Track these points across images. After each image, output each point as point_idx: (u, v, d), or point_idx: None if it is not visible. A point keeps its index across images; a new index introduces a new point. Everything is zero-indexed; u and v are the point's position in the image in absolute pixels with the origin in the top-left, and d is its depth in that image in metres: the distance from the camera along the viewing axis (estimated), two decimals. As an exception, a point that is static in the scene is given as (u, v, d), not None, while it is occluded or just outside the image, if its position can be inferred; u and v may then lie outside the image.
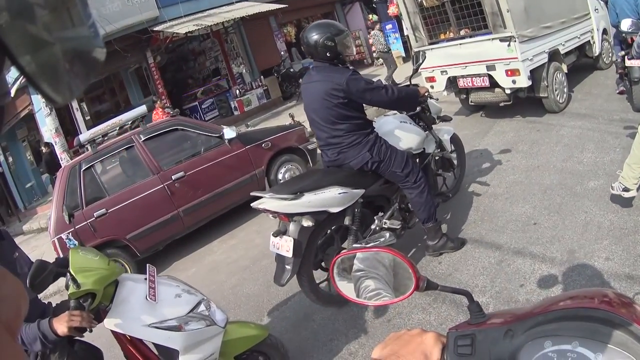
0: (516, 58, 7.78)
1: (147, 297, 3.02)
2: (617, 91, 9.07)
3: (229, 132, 7.95)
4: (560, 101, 8.79)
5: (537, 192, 5.89)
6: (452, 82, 9.03)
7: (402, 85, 5.60)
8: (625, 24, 6.95)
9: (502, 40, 7.82)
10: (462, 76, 8.71)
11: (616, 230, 4.70)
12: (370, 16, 24.01)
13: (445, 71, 8.88)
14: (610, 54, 11.08)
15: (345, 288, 1.57)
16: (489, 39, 8.00)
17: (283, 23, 21.85)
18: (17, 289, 0.53)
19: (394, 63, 16.96)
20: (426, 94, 5.14)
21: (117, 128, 7.86)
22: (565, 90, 9.07)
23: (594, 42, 10.83)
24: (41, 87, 0.47)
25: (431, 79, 9.13)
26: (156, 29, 16.03)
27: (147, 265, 3.42)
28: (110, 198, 7.34)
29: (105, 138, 7.80)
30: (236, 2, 18.12)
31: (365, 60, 24.25)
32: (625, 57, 7.95)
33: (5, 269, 0.52)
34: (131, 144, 7.61)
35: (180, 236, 7.86)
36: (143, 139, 7.62)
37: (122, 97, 19.91)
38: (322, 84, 4.32)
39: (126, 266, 7.21)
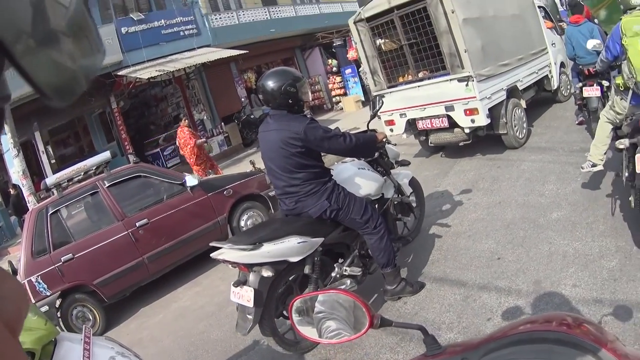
0: (474, 97, 7.92)
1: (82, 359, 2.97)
2: (577, 122, 9.33)
3: (191, 180, 7.95)
4: (520, 136, 8.95)
5: (500, 228, 5.95)
6: (411, 125, 9.11)
7: (360, 131, 5.65)
8: (591, 44, 7.16)
9: (460, 80, 7.96)
10: (421, 118, 8.79)
11: (581, 257, 4.78)
12: (330, 61, 24.29)
13: (404, 114, 8.96)
14: (569, 87, 11.37)
15: (307, 330, 1.71)
16: (447, 80, 8.13)
17: (243, 69, 22.01)
18: (18, 290, 0.53)
19: None
20: (384, 139, 5.17)
21: (82, 173, 7.83)
22: (525, 125, 9.25)
23: (552, 76, 11.11)
24: (41, 88, 0.47)
25: (390, 123, 9.20)
26: (120, 73, 16.02)
27: (84, 326, 3.39)
28: (77, 243, 7.23)
29: (71, 183, 7.77)
30: (198, 47, 18.24)
31: (325, 106, 24.46)
32: (583, 88, 8.20)
33: (5, 270, 0.52)
34: (96, 190, 7.57)
35: (146, 282, 7.76)
36: (107, 185, 7.59)
37: (86, 141, 19.82)
38: (279, 132, 4.30)
39: (94, 312, 7.14)
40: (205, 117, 19.88)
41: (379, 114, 6.37)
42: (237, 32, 19.84)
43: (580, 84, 8.46)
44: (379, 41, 9.06)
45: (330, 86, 23.82)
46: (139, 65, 16.25)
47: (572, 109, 9.80)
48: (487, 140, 9.06)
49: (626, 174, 4.95)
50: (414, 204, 6.00)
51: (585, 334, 1.15)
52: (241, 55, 18.76)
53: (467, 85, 7.92)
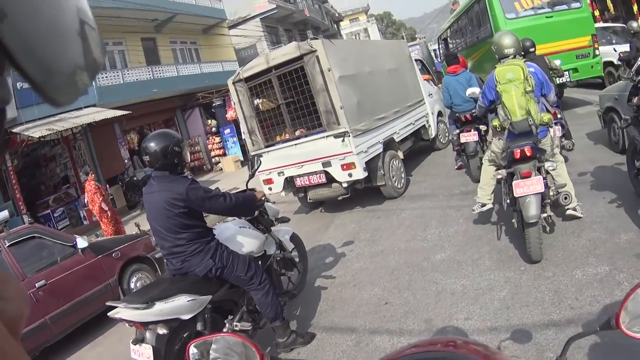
0: (351, 152, 8.12)
1: None
2: (456, 167, 9.80)
3: (81, 242, 7.89)
4: (399, 186, 9.26)
5: (384, 275, 6.10)
6: (289, 182, 9.20)
7: (239, 190, 5.72)
8: (470, 91, 7.47)
9: (336, 136, 8.16)
10: (299, 175, 8.89)
11: (470, 292, 5.01)
12: (210, 121, 24.27)
13: (282, 172, 9.04)
14: (447, 134, 11.87)
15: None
16: (324, 137, 8.31)
17: (127, 130, 21.55)
18: (20, 291, 0.53)
19: None
20: (262, 197, 5.26)
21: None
22: (403, 175, 9.59)
23: (429, 126, 11.62)
24: (43, 89, 0.47)
25: (269, 181, 9.24)
26: (14, 130, 15.43)
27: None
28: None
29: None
30: (85, 107, 17.82)
31: (204, 166, 24.27)
32: (461, 134, 8.64)
33: (7, 273, 0.51)
34: (-2, 249, 7.43)
35: (51, 343, 7.50)
36: (8, 245, 7.37)
37: (-20, 199, 18.69)
38: (162, 193, 4.35)
39: None
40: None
41: (257, 173, 6.44)
42: (121, 92, 19.47)
43: (458, 131, 8.99)
44: (256, 101, 9.19)
45: (209, 146, 23.77)
46: (32, 123, 15.69)
47: (451, 155, 10.30)
48: (366, 193, 9.28)
49: (507, 201, 5.67)
50: (296, 259, 6.17)
51: (473, 352, 1.18)
52: (125, 116, 18.44)
53: (343, 140, 8.12)
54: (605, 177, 7.19)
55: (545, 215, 5.50)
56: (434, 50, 28.37)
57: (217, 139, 23.66)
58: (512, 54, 5.70)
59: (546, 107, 5.95)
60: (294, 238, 6.31)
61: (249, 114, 9.24)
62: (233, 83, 9.30)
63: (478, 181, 7.48)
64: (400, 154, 9.77)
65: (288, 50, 8.54)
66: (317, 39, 8.45)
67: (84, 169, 19.01)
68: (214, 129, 24.17)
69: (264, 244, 5.39)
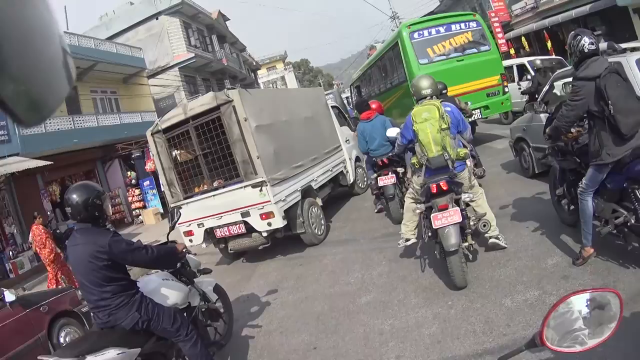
0: (269, 201, 8.16)
1: None
2: (376, 210, 9.97)
3: (9, 296, 7.65)
4: (319, 233, 9.35)
5: (311, 320, 6.10)
6: (209, 234, 9.14)
7: (161, 243, 5.68)
8: (392, 132, 7.67)
9: (254, 186, 8.19)
10: (219, 226, 8.84)
11: (399, 331, 5.07)
12: (129, 173, 23.89)
13: (202, 223, 8.96)
14: (365, 179, 12.08)
15: None
16: (242, 187, 8.32)
17: (49, 181, 21.00)
18: None
19: None
20: (183, 250, 5.24)
21: None
22: (323, 222, 9.68)
23: (347, 171, 11.80)
24: (12, 110, 0.47)
25: (189, 233, 9.15)
26: None
27: None
28: None
29: None
30: (8, 155, 17.31)
31: (125, 219, 23.76)
32: (378, 178, 8.85)
33: None
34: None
35: None
36: None
37: None
38: (86, 246, 4.31)
39: None
40: (15, 231, 18.66)
41: (177, 225, 6.42)
42: (44, 142, 18.94)
43: (375, 175, 9.14)
44: (175, 152, 9.15)
45: (130, 199, 23.36)
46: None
47: (371, 199, 10.48)
48: (287, 241, 9.31)
49: (429, 234, 5.94)
50: (221, 310, 6.19)
51: None
52: (47, 167, 17.99)
53: (261, 190, 8.16)
54: (527, 207, 7.55)
55: (466, 244, 5.85)
56: (347, 97, 29.01)
57: (137, 191, 23.29)
58: (429, 94, 6.05)
59: (463, 143, 6.30)
60: (217, 289, 6.32)
61: (168, 166, 9.17)
62: (152, 134, 9.25)
63: (399, 223, 7.79)
64: (319, 201, 9.88)
65: (205, 101, 8.58)
66: (234, 88, 8.53)
67: (7, 220, 18.40)
68: (133, 181, 23.75)
69: (187, 295, 5.39)
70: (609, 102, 4.49)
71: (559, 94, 9.00)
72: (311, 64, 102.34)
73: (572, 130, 5.40)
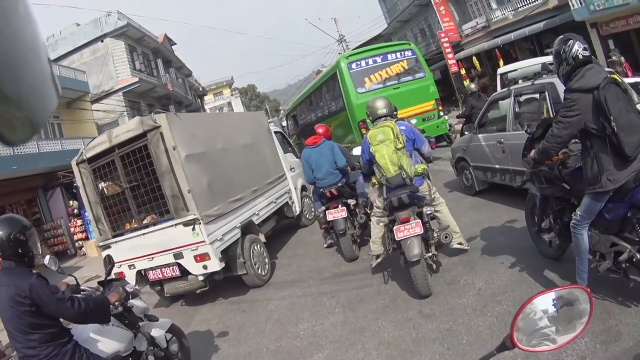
0: (203, 242, 7.25)
1: None
2: (326, 245, 9.08)
3: None
4: (263, 273, 8.46)
5: None
6: (142, 276, 8.16)
7: (96, 287, 5.11)
8: (357, 151, 7.27)
9: (185, 224, 7.28)
10: (151, 268, 7.87)
11: None
12: (72, 202, 22.74)
13: (133, 265, 7.97)
14: (313, 210, 11.28)
15: None
16: (172, 225, 7.39)
17: (-16, 212, 19.71)
18: None
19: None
20: (119, 300, 4.61)
21: None
22: (267, 260, 8.81)
23: (292, 202, 11.01)
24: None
25: (120, 275, 7.99)
26: None
27: None
28: None
29: None
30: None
31: (68, 251, 22.40)
32: (327, 211, 7.96)
33: None
34: None
35: None
36: None
37: None
38: (7, 289, 3.78)
39: None
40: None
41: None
42: (-21, 168, 17.86)
43: (324, 207, 8.25)
44: (101, 185, 8.17)
45: (72, 229, 22.13)
46: None
47: (319, 232, 9.58)
48: (228, 281, 8.31)
49: (394, 246, 6.15)
50: (175, 353, 5.61)
51: None
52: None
53: (193, 229, 7.25)
54: (497, 238, 7.00)
55: (429, 254, 6.12)
56: (284, 126, 29.17)
57: (79, 222, 22.00)
58: (384, 114, 6.37)
59: (419, 160, 6.67)
60: (173, 329, 5.70)
61: (94, 200, 8.16)
62: (77, 164, 8.32)
63: (351, 261, 7.80)
64: (262, 237, 9.00)
65: (131, 127, 7.64)
66: (161, 112, 7.64)
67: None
68: (75, 211, 22.52)
69: (132, 341, 4.78)
70: (611, 117, 3.79)
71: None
72: (258, 89, 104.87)
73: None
